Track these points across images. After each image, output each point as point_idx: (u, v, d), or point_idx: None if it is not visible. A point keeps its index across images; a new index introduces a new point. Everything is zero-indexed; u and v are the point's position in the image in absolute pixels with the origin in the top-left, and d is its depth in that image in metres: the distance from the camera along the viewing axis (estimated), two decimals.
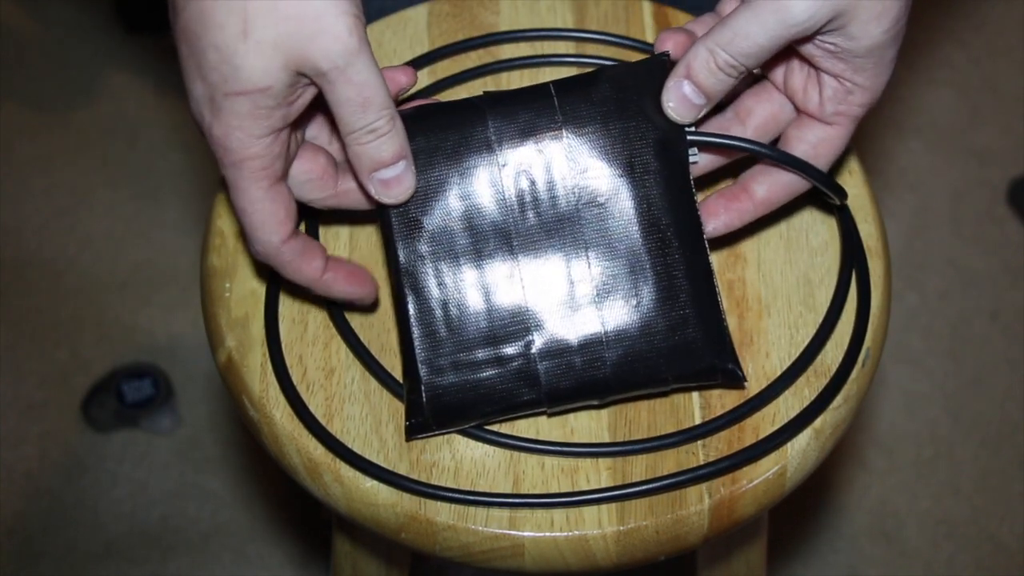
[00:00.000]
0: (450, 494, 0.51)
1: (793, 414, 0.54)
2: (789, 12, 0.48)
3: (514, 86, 0.64)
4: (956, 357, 1.27)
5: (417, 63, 0.64)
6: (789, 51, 0.52)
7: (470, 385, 0.51)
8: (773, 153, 0.53)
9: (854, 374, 0.55)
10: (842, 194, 0.55)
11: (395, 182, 0.51)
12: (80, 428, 1.20)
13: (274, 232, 0.49)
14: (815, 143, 0.53)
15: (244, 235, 0.50)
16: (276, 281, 0.57)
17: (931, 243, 1.35)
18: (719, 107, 0.55)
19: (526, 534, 0.51)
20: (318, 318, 0.56)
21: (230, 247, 0.58)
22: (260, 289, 0.57)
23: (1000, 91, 1.48)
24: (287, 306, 0.57)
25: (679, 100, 0.52)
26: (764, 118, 0.54)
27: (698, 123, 0.54)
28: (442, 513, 0.51)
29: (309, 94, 0.48)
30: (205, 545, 1.14)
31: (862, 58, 0.50)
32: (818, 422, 0.54)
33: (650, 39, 0.65)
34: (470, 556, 0.52)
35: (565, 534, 0.51)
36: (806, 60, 0.52)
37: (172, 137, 1.41)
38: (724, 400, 0.54)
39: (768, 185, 0.54)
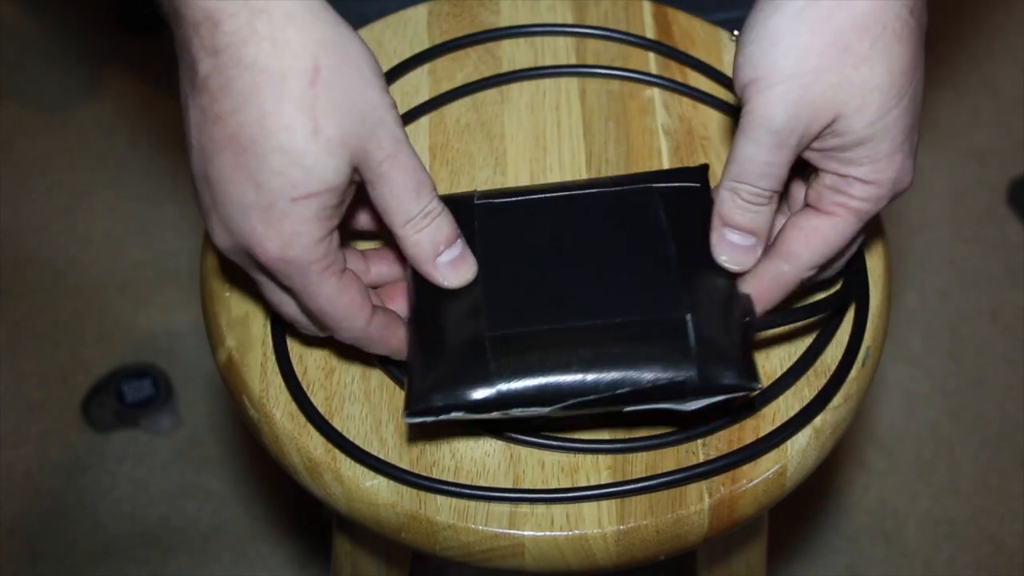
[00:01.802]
0: (450, 488, 0.51)
1: (793, 413, 0.54)
2: (771, 120, 0.46)
3: (515, 88, 0.64)
4: (956, 357, 1.27)
5: (417, 59, 0.64)
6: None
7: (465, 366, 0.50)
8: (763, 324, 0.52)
9: (854, 373, 0.55)
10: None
11: (460, 261, 0.50)
12: (80, 428, 1.20)
13: (359, 319, 0.48)
14: (808, 231, 0.49)
15: (326, 328, 0.49)
16: None
17: (931, 243, 1.35)
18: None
19: (526, 533, 0.51)
20: None
21: None
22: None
23: (1000, 91, 1.48)
24: None
25: (730, 250, 0.50)
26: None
27: None
28: (442, 512, 0.51)
29: (352, 192, 0.47)
30: (205, 545, 1.14)
31: (854, 154, 0.47)
32: (818, 421, 0.54)
33: (650, 37, 0.65)
34: (470, 555, 0.52)
35: (565, 533, 0.51)
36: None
37: (172, 137, 1.41)
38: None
39: (756, 280, 0.51)
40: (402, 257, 0.52)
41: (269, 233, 0.45)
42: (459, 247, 0.50)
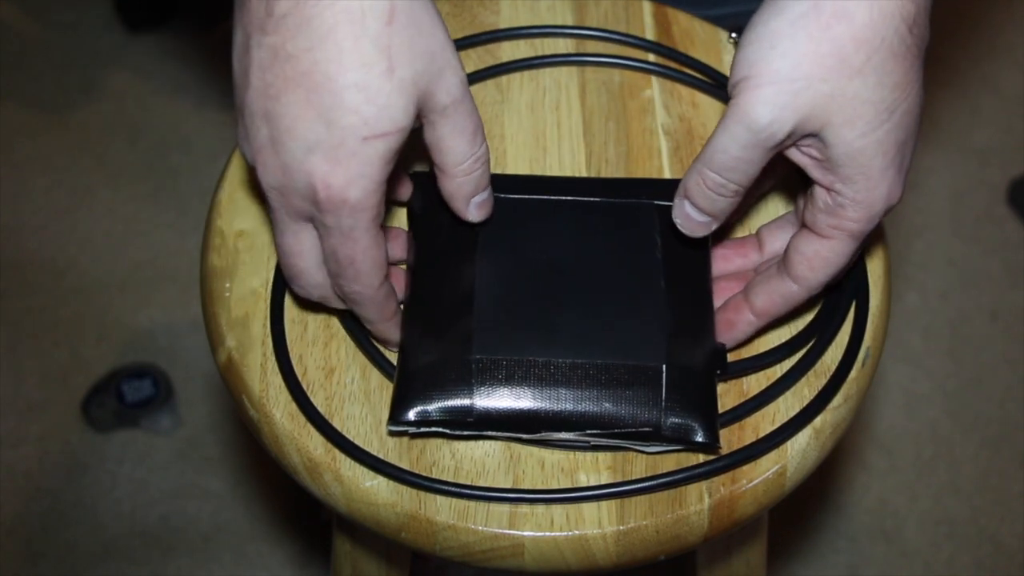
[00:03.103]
0: (450, 488, 0.51)
1: (793, 414, 0.54)
2: (753, 119, 0.46)
3: (515, 88, 0.64)
4: (956, 357, 1.27)
5: None
6: (787, 162, 0.50)
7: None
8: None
9: (854, 373, 0.55)
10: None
11: (486, 203, 0.53)
12: (80, 428, 1.20)
13: (378, 276, 0.49)
14: (810, 256, 0.50)
15: (342, 278, 0.49)
16: (281, 279, 0.57)
17: (931, 243, 1.35)
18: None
19: (526, 533, 0.51)
20: (318, 318, 0.56)
21: (230, 247, 0.58)
22: (260, 289, 0.57)
23: (1000, 91, 1.48)
24: (287, 306, 0.57)
25: (685, 219, 0.52)
26: (782, 243, 0.55)
27: (720, 236, 0.57)
28: (442, 512, 0.51)
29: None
30: (205, 545, 1.14)
31: (844, 167, 0.47)
32: (818, 422, 0.54)
33: (650, 38, 0.65)
34: (470, 556, 0.52)
35: (565, 533, 0.51)
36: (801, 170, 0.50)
37: (172, 137, 1.41)
38: (724, 401, 0.54)
39: (766, 296, 0.53)
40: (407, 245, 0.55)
41: (336, 171, 0.45)
42: (489, 190, 0.53)
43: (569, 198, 0.57)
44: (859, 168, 0.47)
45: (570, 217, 0.56)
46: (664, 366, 0.52)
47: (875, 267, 0.58)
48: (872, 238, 0.59)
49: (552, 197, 0.57)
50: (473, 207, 0.52)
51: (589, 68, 0.65)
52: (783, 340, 0.56)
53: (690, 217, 0.52)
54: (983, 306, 1.31)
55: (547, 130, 0.62)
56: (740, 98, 0.47)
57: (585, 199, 0.57)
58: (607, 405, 0.51)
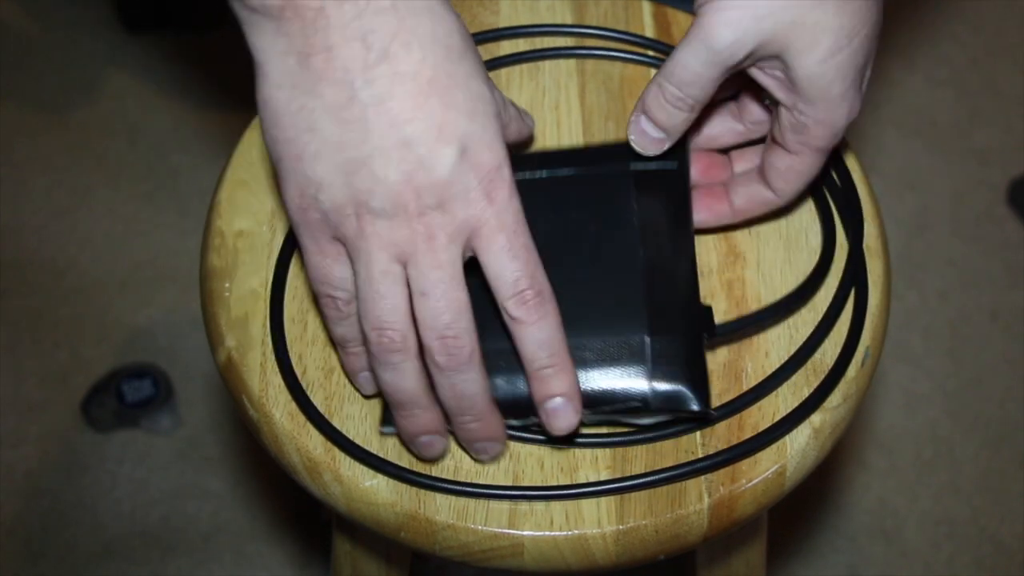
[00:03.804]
0: (449, 486, 0.51)
1: (792, 409, 0.54)
2: (714, 38, 0.49)
3: (514, 87, 0.64)
4: (956, 357, 1.27)
5: None
6: (741, 80, 0.53)
7: None
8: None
9: (853, 373, 0.55)
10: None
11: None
12: (80, 428, 1.20)
13: (466, 319, 0.47)
14: (783, 170, 0.54)
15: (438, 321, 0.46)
16: (281, 279, 0.57)
17: (931, 243, 1.35)
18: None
19: (525, 533, 0.51)
20: (318, 318, 0.56)
21: (230, 247, 0.59)
22: (260, 289, 0.57)
23: (1000, 91, 1.48)
24: (287, 305, 0.57)
25: (640, 135, 0.54)
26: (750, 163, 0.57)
27: (698, 127, 0.56)
28: (441, 512, 0.51)
29: None
30: (205, 545, 1.14)
31: (806, 90, 0.50)
32: (818, 421, 0.54)
33: (650, 36, 0.65)
34: (470, 555, 0.52)
35: (564, 533, 0.51)
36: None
37: (172, 137, 1.41)
38: (722, 398, 0.54)
39: (746, 198, 0.56)
40: None
41: (487, 160, 0.45)
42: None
43: (545, 174, 0.56)
44: (819, 91, 0.49)
45: (545, 197, 0.55)
46: (647, 337, 0.51)
47: (875, 267, 0.58)
48: (872, 238, 0.59)
49: (528, 175, 0.55)
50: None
51: (589, 68, 0.65)
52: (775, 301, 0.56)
53: (645, 133, 0.54)
54: (983, 306, 1.31)
55: (547, 130, 0.62)
56: (705, 17, 0.49)
57: (561, 173, 0.56)
58: (595, 383, 0.51)
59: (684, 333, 0.52)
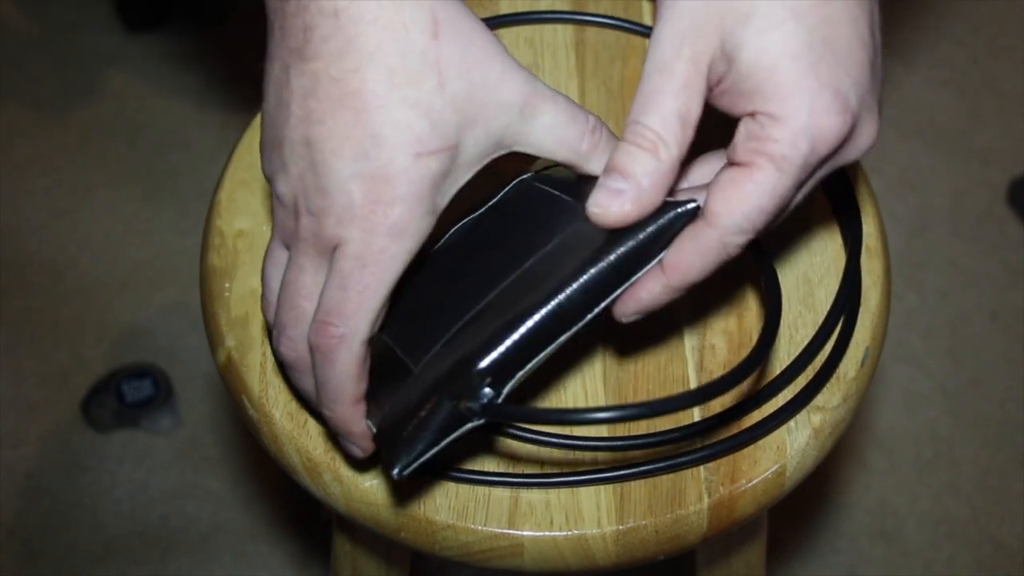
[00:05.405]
0: (447, 475, 0.51)
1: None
2: (657, 47, 0.45)
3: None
4: (956, 357, 1.27)
5: None
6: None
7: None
8: None
9: (853, 373, 0.55)
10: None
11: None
12: (80, 428, 1.20)
13: (370, 325, 0.45)
14: (724, 184, 0.44)
15: (329, 323, 0.45)
16: None
17: (931, 243, 1.35)
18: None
19: (525, 533, 0.51)
20: None
21: (229, 247, 0.59)
22: (260, 288, 0.57)
23: (1000, 91, 1.48)
24: None
25: (603, 195, 0.46)
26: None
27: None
28: (441, 512, 0.51)
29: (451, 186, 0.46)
30: (205, 545, 1.14)
31: (751, 77, 0.43)
32: (818, 421, 0.54)
33: (650, 24, 0.65)
34: (469, 555, 0.52)
35: (564, 533, 0.51)
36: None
37: (172, 137, 1.41)
38: (723, 400, 0.54)
39: (675, 245, 0.46)
40: None
41: (383, 189, 0.43)
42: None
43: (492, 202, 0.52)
44: (766, 74, 0.42)
45: (524, 198, 0.51)
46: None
47: (875, 267, 0.58)
48: (873, 238, 0.59)
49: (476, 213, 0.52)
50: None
51: (589, 68, 0.65)
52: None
53: (607, 189, 0.46)
54: (983, 306, 1.31)
55: None
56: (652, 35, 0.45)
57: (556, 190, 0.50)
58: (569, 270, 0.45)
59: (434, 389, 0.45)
